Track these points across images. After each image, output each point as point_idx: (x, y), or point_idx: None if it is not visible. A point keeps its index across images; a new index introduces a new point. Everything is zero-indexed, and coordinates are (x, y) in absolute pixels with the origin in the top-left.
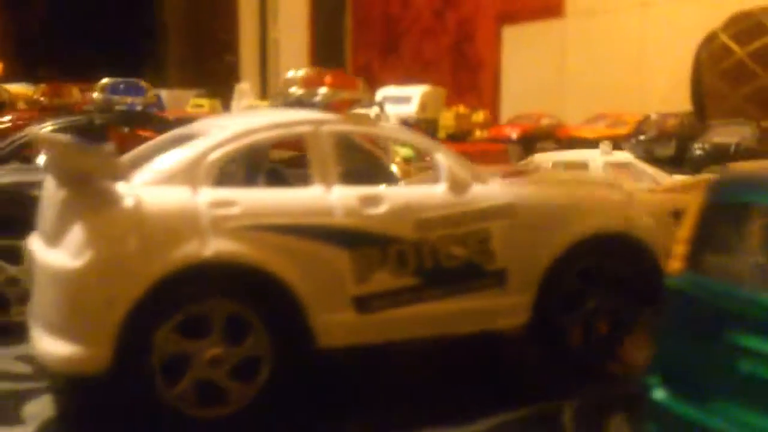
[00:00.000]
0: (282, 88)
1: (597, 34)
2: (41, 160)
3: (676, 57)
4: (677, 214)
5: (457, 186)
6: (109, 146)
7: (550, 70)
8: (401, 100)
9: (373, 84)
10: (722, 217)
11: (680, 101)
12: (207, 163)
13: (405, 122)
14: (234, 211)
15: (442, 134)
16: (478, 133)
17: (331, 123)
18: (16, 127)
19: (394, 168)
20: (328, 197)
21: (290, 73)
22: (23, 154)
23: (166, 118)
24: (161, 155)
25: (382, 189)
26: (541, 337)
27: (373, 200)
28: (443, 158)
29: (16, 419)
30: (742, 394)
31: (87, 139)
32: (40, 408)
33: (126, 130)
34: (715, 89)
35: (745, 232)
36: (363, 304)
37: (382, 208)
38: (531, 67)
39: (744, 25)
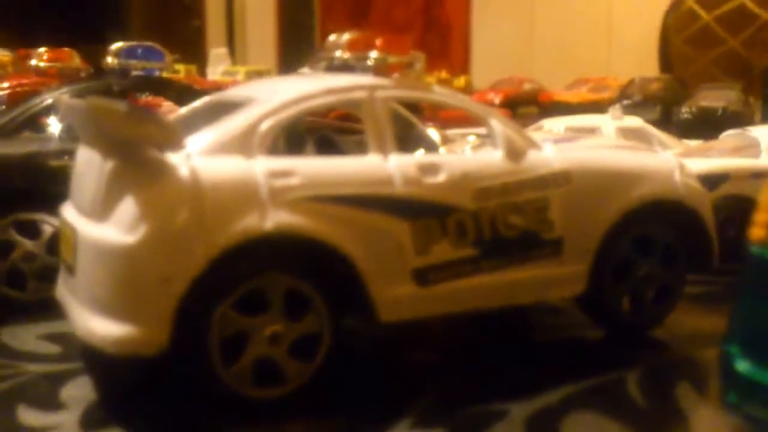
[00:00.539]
0: (324, 52)
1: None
2: (59, 128)
3: (643, 21)
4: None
5: (514, 153)
6: (165, 113)
7: (520, 36)
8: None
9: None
10: None
11: (648, 65)
12: (261, 131)
13: None
14: (293, 181)
15: None
16: (461, 97)
17: (386, 88)
18: (16, 94)
19: (434, 134)
20: (387, 166)
21: (332, 37)
22: (38, 123)
23: (187, 85)
24: (209, 123)
25: (439, 156)
26: (591, 305)
27: (432, 168)
28: (499, 125)
29: (57, 403)
30: None
31: None
32: (80, 390)
33: (145, 96)
34: (683, 53)
35: None
36: (423, 276)
37: (440, 177)
38: (501, 33)
39: None
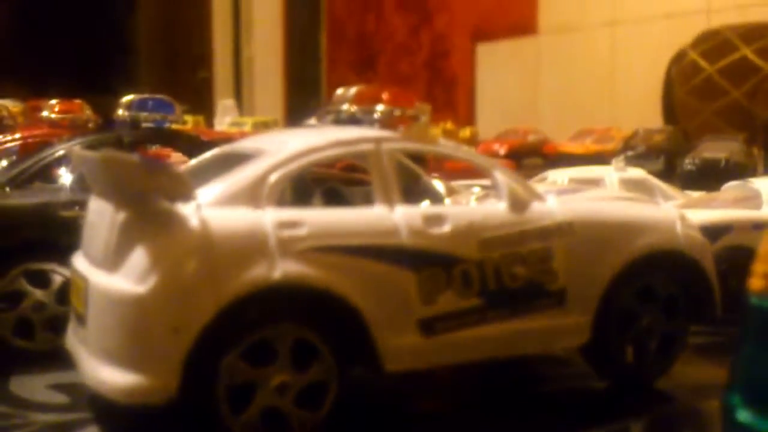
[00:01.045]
0: (332, 105)
1: (570, 52)
2: (70, 179)
3: (646, 73)
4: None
5: (518, 205)
6: (176, 165)
7: (524, 87)
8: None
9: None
10: None
11: (651, 117)
12: (270, 182)
13: None
14: (301, 232)
15: None
16: (466, 149)
17: (392, 140)
18: (27, 145)
19: (439, 185)
20: (393, 217)
21: (339, 91)
22: (49, 173)
23: (196, 136)
24: (219, 174)
25: (444, 208)
26: (595, 355)
27: (437, 219)
28: (502, 177)
29: None
30: None
31: None
32: None
33: (155, 147)
34: (686, 105)
35: None
36: (429, 326)
37: (445, 228)
38: (505, 84)
39: (712, 43)
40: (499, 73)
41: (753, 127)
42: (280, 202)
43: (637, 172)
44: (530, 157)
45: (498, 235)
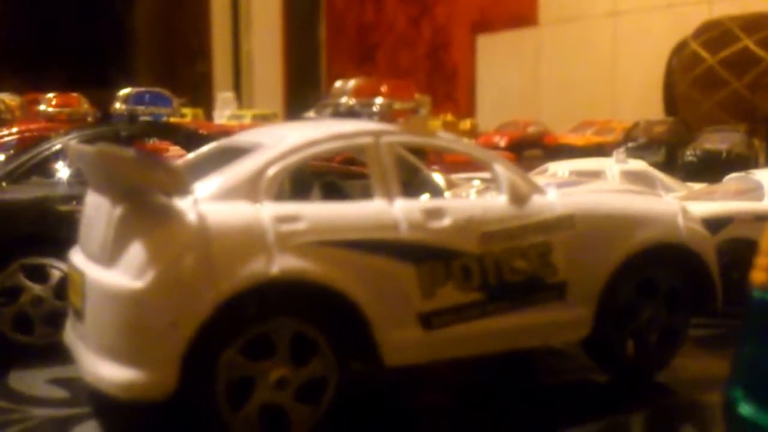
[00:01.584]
0: (330, 98)
1: (570, 43)
2: (67, 173)
3: (647, 64)
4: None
5: (518, 198)
6: (172, 160)
7: (525, 79)
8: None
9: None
10: None
11: (652, 108)
12: (268, 176)
13: None
14: (299, 226)
15: None
16: (466, 142)
17: (391, 134)
18: (25, 139)
19: (438, 178)
20: (392, 210)
21: (338, 83)
22: (46, 168)
23: (194, 130)
24: (217, 168)
25: (444, 201)
26: (596, 349)
27: (437, 213)
28: (502, 170)
29: None
30: None
31: None
32: None
33: (152, 141)
34: (687, 96)
35: None
36: (428, 320)
37: (445, 221)
38: (506, 76)
39: (714, 34)
40: (500, 64)
41: (754, 118)
42: (279, 196)
43: (639, 164)
44: (531, 149)
45: (498, 228)
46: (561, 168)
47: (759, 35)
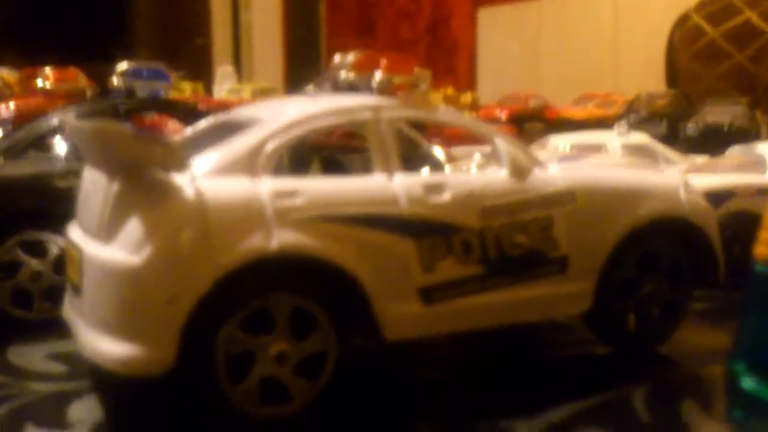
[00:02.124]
0: (330, 72)
1: (571, 16)
2: (65, 148)
3: (649, 37)
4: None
5: (519, 172)
6: (169, 135)
7: (526, 52)
8: None
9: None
10: None
11: (654, 81)
12: (267, 151)
13: None
14: (298, 201)
15: None
16: (466, 116)
17: (391, 108)
18: (22, 115)
19: (439, 152)
20: (392, 185)
21: (337, 57)
22: (44, 143)
23: (193, 105)
24: (215, 144)
25: (444, 176)
26: (597, 322)
27: (437, 188)
28: (503, 144)
29: (64, 423)
30: None
31: None
32: (87, 410)
33: (151, 115)
34: (689, 69)
35: None
36: (429, 295)
37: (446, 196)
38: (507, 49)
39: (716, 6)
40: (501, 38)
41: (756, 90)
42: (277, 171)
43: (640, 137)
44: (532, 122)
45: (499, 202)
46: (562, 141)
47: (762, 7)
